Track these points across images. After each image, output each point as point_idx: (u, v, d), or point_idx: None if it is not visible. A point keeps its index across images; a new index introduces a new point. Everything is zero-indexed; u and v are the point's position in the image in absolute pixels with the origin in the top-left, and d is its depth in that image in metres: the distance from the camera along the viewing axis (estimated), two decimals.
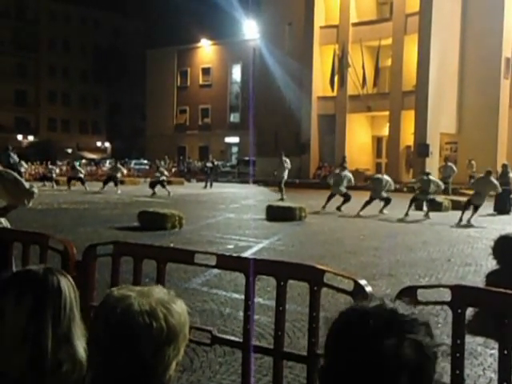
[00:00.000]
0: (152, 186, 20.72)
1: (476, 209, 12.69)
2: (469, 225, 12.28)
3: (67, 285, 1.31)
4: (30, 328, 1.23)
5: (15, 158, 21.17)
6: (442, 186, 14.75)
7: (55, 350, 1.24)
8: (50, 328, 1.24)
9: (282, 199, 17.85)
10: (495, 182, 13.13)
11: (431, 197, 13.97)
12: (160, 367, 1.07)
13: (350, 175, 15.66)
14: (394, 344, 0.76)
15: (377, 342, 0.76)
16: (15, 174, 3.97)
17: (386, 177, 14.94)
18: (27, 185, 3.88)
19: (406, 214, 13.57)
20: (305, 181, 29.02)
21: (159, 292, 1.10)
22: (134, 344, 1.04)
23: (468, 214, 12.66)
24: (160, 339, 1.05)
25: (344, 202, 15.03)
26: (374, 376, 0.75)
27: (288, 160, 19.58)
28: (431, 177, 14.38)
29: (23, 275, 1.32)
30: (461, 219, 12.48)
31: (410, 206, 13.83)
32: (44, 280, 1.28)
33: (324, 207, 14.92)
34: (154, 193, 20.31)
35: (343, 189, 15.27)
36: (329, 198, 15.23)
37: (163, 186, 20.32)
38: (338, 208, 14.85)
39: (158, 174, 21.06)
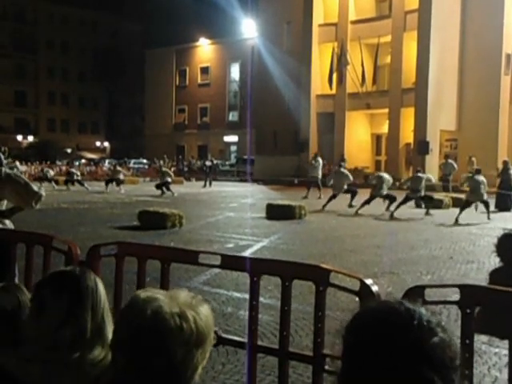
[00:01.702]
0: (159, 187, 20.59)
1: (487, 205, 12.75)
2: (476, 223, 12.26)
3: (101, 283, 1.48)
4: (72, 314, 1.37)
5: (2, 159, 21.05)
6: (433, 179, 14.80)
7: (92, 335, 1.38)
8: (90, 315, 1.38)
9: (305, 197, 18.15)
10: (483, 179, 13.11)
11: (422, 194, 13.92)
12: (188, 371, 1.05)
13: (347, 172, 15.74)
14: (433, 342, 0.75)
15: (410, 341, 0.75)
16: (24, 177, 4.01)
17: (386, 175, 14.99)
18: (35, 187, 3.92)
19: (392, 212, 13.43)
20: (303, 179, 29.02)
21: (186, 295, 1.10)
22: (164, 346, 1.02)
23: (466, 212, 12.68)
24: (190, 342, 1.04)
25: (352, 198, 15.08)
26: (410, 375, 0.73)
27: (320, 160, 19.87)
28: (421, 174, 14.42)
29: (61, 273, 1.48)
30: (457, 220, 12.34)
31: (400, 204, 13.67)
32: (81, 277, 1.45)
33: (324, 207, 14.87)
34: (162, 193, 20.16)
35: (345, 187, 15.28)
36: (330, 199, 15.15)
37: (168, 189, 20.17)
38: (350, 205, 14.87)
39: (162, 175, 20.93)
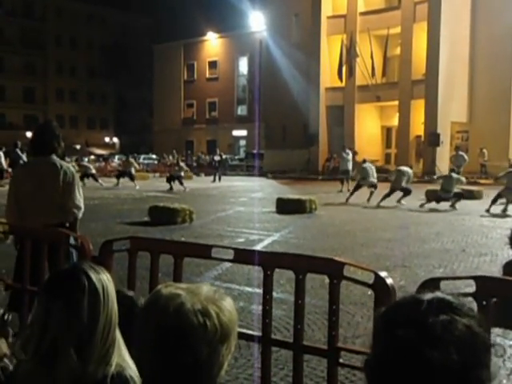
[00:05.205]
0: (169, 180, 20.56)
1: (510, 201, 12.67)
2: (505, 215, 12.18)
3: (109, 281, 1.38)
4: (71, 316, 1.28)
5: (23, 157, 21.09)
6: (464, 181, 14.73)
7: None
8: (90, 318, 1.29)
9: (340, 191, 18.19)
10: None
11: (452, 193, 13.84)
12: (215, 368, 1.04)
13: (373, 166, 15.98)
14: (434, 320, 0.76)
15: (412, 319, 0.76)
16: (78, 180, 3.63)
17: (405, 168, 15.22)
18: (80, 199, 3.63)
19: (421, 206, 13.61)
20: (319, 176, 28.95)
21: (208, 290, 1.08)
22: (189, 345, 1.00)
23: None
24: (214, 339, 1.02)
25: (371, 194, 15.16)
26: (410, 351, 0.74)
27: (350, 151, 20.01)
28: (454, 174, 14.34)
29: (59, 273, 1.39)
30: (488, 210, 12.41)
31: (429, 201, 13.83)
32: (82, 275, 1.34)
33: (348, 200, 14.98)
34: (171, 187, 20.05)
35: (373, 180, 15.39)
36: (354, 190, 15.30)
37: (181, 183, 20.18)
38: (368, 199, 14.99)
39: (177, 168, 20.99)
